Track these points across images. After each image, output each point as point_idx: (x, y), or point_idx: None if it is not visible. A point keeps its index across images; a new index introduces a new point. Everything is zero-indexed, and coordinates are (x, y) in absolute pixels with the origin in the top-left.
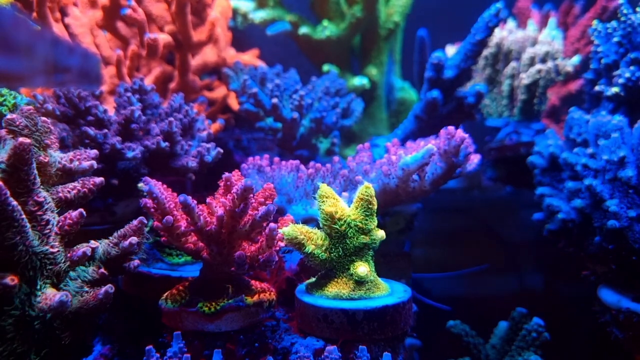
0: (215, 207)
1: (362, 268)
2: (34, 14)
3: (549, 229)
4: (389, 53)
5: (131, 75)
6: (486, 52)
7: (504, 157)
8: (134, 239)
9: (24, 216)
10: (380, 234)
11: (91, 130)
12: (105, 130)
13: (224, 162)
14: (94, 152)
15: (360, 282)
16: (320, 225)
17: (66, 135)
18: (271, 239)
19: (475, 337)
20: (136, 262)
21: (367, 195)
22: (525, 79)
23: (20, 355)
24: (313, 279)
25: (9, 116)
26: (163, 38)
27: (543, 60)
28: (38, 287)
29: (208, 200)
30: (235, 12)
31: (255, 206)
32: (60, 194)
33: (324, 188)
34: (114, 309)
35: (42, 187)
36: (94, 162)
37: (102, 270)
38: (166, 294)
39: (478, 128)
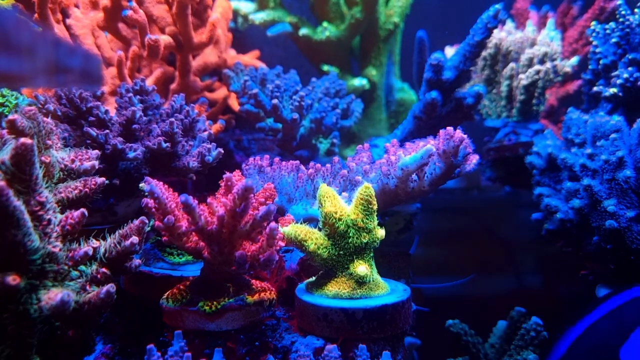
0: (216, 207)
1: (362, 267)
2: (36, 15)
3: (548, 229)
4: (389, 54)
5: (132, 76)
6: (485, 53)
7: (503, 157)
8: (135, 239)
9: (26, 216)
10: (381, 233)
11: (93, 131)
12: (107, 131)
13: (224, 162)
14: (95, 152)
15: (360, 282)
16: (321, 225)
17: (68, 135)
18: (272, 238)
19: (474, 336)
20: (137, 261)
21: (366, 195)
22: (523, 79)
23: (22, 355)
24: (313, 278)
25: (10, 117)
26: (164, 39)
27: (542, 61)
28: (40, 286)
29: (209, 200)
30: (235, 13)
31: (256, 206)
32: (62, 194)
33: (324, 188)
34: (115, 308)
35: (44, 187)
36: (95, 163)
37: (104, 269)
38: (167, 293)
39: (477, 128)
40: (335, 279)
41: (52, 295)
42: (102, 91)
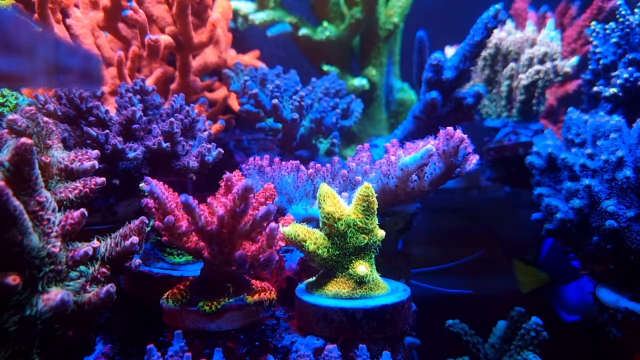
0: (216, 207)
1: (362, 267)
2: (36, 15)
3: (548, 229)
4: (389, 54)
5: (132, 76)
6: (485, 53)
7: (503, 157)
8: (135, 239)
9: (26, 216)
10: (381, 233)
11: (93, 131)
12: (107, 131)
13: (224, 162)
14: (95, 152)
15: (360, 282)
16: (321, 225)
17: (68, 135)
18: (272, 238)
19: (474, 336)
20: (137, 261)
21: (367, 195)
22: (523, 79)
23: (22, 355)
24: (313, 279)
25: (10, 116)
26: (164, 39)
27: (541, 61)
28: (40, 286)
29: (209, 200)
30: (235, 13)
31: (256, 206)
32: (62, 194)
33: (324, 188)
34: (115, 308)
35: (44, 187)
36: (95, 163)
37: (104, 269)
38: (167, 293)
39: (477, 128)
40: (335, 279)
41: (52, 295)
42: (102, 91)
